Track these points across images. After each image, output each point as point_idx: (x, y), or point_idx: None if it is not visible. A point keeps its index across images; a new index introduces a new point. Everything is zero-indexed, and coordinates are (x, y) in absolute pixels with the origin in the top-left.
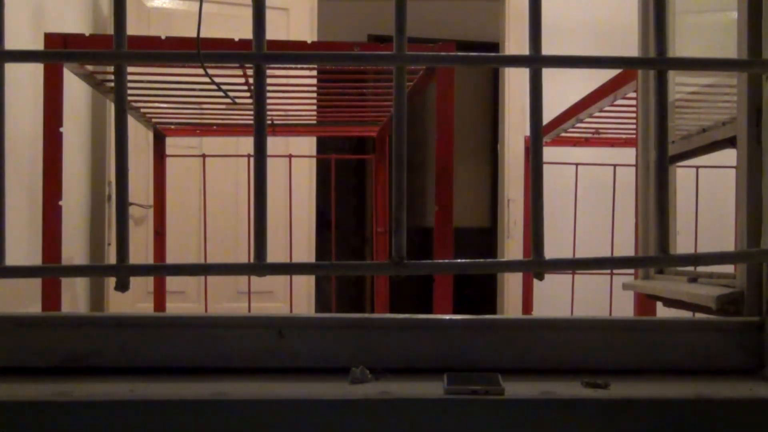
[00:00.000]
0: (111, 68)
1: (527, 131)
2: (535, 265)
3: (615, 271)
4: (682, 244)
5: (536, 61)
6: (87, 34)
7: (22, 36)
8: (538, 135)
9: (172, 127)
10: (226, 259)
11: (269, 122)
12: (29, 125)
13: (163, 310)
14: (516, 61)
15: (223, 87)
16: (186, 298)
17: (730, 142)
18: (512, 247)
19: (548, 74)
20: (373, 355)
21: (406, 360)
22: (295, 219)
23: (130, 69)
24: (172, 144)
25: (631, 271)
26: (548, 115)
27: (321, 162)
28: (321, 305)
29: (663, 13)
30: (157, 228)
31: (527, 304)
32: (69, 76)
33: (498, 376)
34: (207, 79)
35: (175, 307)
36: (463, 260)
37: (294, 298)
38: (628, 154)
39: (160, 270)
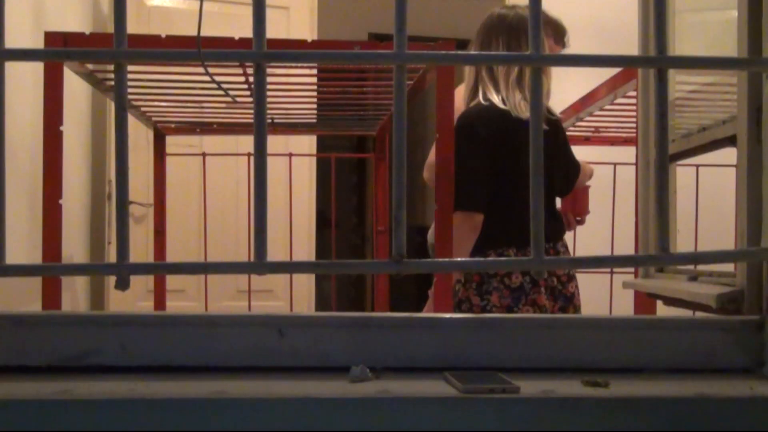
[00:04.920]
0: (111, 67)
1: None
2: (535, 264)
3: (615, 269)
4: (682, 243)
5: (536, 61)
6: (87, 32)
7: (23, 35)
8: (538, 134)
9: (173, 125)
10: (226, 257)
11: (269, 121)
12: (29, 124)
13: (163, 308)
14: (516, 60)
15: (224, 86)
16: (186, 297)
17: (730, 141)
18: None
19: None
20: (374, 353)
21: (406, 359)
22: (295, 218)
23: (130, 68)
24: (173, 143)
25: (631, 269)
26: None
27: (321, 161)
28: (321, 304)
29: (663, 11)
30: (158, 227)
31: None
32: (69, 75)
33: (499, 375)
34: (207, 78)
35: (175, 305)
36: (463, 259)
37: (294, 296)
38: (628, 153)
39: (160, 268)
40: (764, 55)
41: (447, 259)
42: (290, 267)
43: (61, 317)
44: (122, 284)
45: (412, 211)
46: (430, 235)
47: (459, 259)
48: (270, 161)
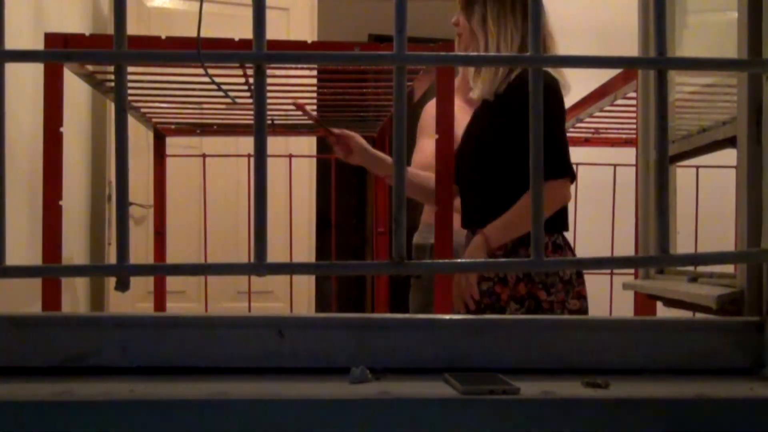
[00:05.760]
0: (111, 68)
1: None
2: (536, 265)
3: (615, 271)
4: (682, 244)
5: (537, 61)
6: (87, 33)
7: (23, 36)
8: (538, 135)
9: (173, 127)
10: (226, 258)
11: (269, 122)
12: (29, 125)
13: (163, 309)
14: (516, 61)
15: (224, 87)
16: (186, 298)
17: (730, 142)
18: None
19: None
20: (374, 354)
21: (406, 360)
22: (295, 219)
23: (130, 69)
24: (172, 144)
25: (632, 271)
26: None
27: (321, 162)
28: (321, 305)
29: (663, 12)
30: (158, 228)
31: None
32: (69, 76)
33: (498, 376)
34: (207, 79)
35: (175, 307)
36: (463, 260)
37: (294, 298)
38: (629, 154)
39: (160, 270)
40: (764, 57)
41: (446, 260)
42: (290, 268)
43: (61, 318)
44: (122, 285)
45: (411, 212)
46: (417, 235)
47: (460, 260)
48: (270, 162)
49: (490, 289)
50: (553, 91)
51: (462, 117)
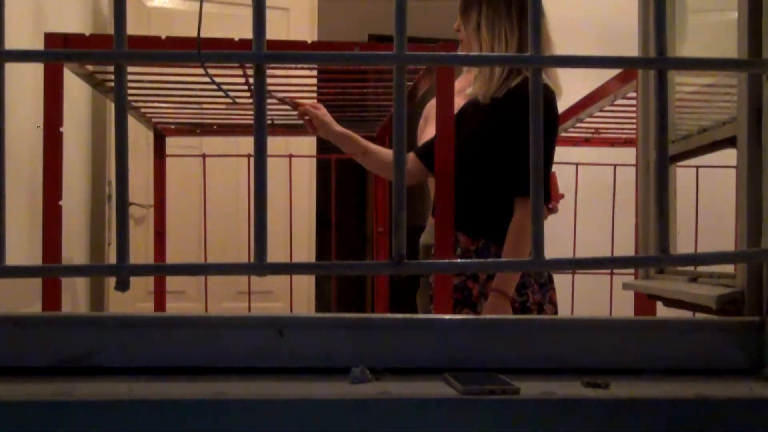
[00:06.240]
0: (111, 68)
1: None
2: (535, 265)
3: (615, 271)
4: (682, 244)
5: (536, 61)
6: (87, 33)
7: (23, 36)
8: (538, 135)
9: (173, 126)
10: (226, 258)
11: (269, 122)
12: (29, 125)
13: (163, 309)
14: (516, 61)
15: (224, 87)
16: (186, 298)
17: (731, 142)
18: None
19: None
20: (374, 355)
21: (406, 360)
22: (295, 219)
23: (130, 69)
24: (172, 144)
25: (631, 270)
26: None
27: (321, 162)
28: (321, 305)
29: (663, 12)
30: (157, 228)
31: None
32: (69, 76)
33: (498, 376)
34: (207, 79)
35: (175, 306)
36: (463, 260)
37: (294, 298)
38: (629, 154)
39: (160, 270)
40: (764, 57)
41: (446, 260)
42: (290, 268)
43: (61, 318)
44: (122, 285)
45: (411, 212)
46: (424, 235)
47: (459, 260)
48: (270, 162)
49: (462, 284)
50: (548, 106)
51: None
